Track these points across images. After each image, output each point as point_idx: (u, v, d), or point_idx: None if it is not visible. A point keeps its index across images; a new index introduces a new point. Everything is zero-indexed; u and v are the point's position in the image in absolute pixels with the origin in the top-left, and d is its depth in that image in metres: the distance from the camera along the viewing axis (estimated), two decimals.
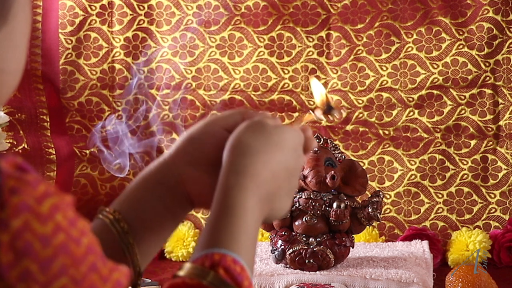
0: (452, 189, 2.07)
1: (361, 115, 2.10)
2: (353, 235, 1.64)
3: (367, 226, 1.64)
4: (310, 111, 0.88)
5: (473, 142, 2.07)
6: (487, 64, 2.06)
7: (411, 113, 2.09)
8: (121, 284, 0.57)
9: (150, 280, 1.70)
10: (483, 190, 2.06)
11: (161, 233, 0.81)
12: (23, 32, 0.64)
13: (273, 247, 1.61)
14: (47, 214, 0.53)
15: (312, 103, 2.12)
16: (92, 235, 0.56)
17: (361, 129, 2.10)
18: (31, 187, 0.53)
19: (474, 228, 2.03)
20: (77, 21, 2.11)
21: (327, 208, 1.59)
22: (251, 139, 0.74)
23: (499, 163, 2.06)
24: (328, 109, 0.88)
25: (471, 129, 2.07)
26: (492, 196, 2.06)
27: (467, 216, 2.06)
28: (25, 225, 0.52)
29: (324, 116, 0.88)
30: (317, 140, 1.64)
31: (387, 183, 2.08)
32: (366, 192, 1.67)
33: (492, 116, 2.07)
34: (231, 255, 0.67)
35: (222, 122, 0.80)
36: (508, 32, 2.05)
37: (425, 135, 2.08)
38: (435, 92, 2.08)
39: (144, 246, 0.80)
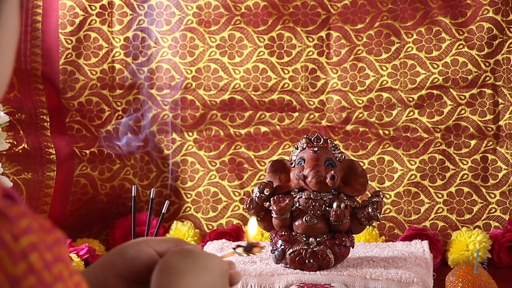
0: (452, 189, 2.07)
1: (361, 115, 2.10)
2: (353, 235, 1.64)
3: (367, 226, 1.64)
4: (232, 249, 0.92)
5: (473, 142, 2.07)
6: (487, 64, 2.06)
7: (411, 113, 2.09)
8: None
9: None
10: (483, 190, 2.06)
11: None
12: (11, 41, 0.63)
13: (273, 247, 1.61)
14: (21, 254, 0.50)
15: (312, 103, 2.12)
16: (74, 282, 0.53)
17: (361, 129, 2.10)
18: (10, 223, 0.50)
19: (474, 228, 2.03)
20: (77, 21, 2.11)
21: (327, 208, 1.59)
22: (179, 261, 0.77)
23: (499, 163, 2.06)
24: (247, 247, 0.92)
25: (471, 129, 2.07)
26: (492, 196, 2.06)
27: (467, 216, 2.06)
28: None
29: (245, 252, 0.92)
30: (317, 140, 1.64)
31: (387, 183, 2.08)
32: (366, 192, 1.67)
33: (492, 116, 2.07)
34: None
35: (155, 245, 0.82)
36: (508, 32, 2.05)
37: (425, 135, 2.08)
38: (435, 92, 2.08)
39: None
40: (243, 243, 0.93)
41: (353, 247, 1.63)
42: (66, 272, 0.52)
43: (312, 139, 1.65)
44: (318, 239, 1.59)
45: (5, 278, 0.49)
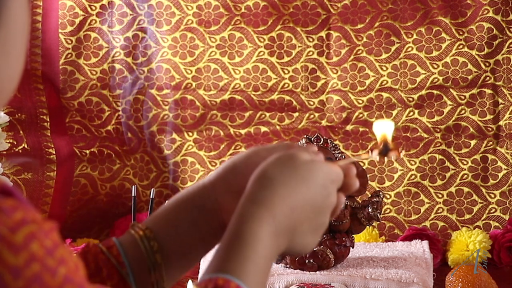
0: (452, 189, 2.07)
1: (361, 115, 2.10)
2: (353, 235, 1.64)
3: (367, 226, 1.64)
4: (369, 151, 0.85)
5: (473, 142, 2.07)
6: (487, 64, 2.06)
7: (411, 113, 2.09)
8: None
9: None
10: (483, 190, 2.06)
11: (190, 258, 0.80)
12: (18, 38, 0.61)
13: None
14: (21, 244, 0.51)
15: (312, 103, 2.12)
16: (74, 262, 0.54)
17: (361, 129, 2.10)
18: (5, 215, 0.51)
19: (474, 228, 2.03)
20: (77, 21, 2.11)
21: None
22: (276, 171, 0.73)
23: (499, 163, 2.06)
24: (385, 150, 0.85)
25: (471, 129, 2.07)
26: (492, 196, 2.06)
27: (467, 216, 2.06)
28: None
29: (379, 156, 0.85)
30: (317, 140, 1.64)
31: (387, 183, 2.08)
32: (366, 192, 1.67)
33: (492, 116, 2.07)
34: (235, 282, 0.66)
35: (265, 153, 0.79)
36: (508, 32, 2.05)
37: (425, 135, 2.08)
38: (435, 92, 2.08)
39: (171, 268, 0.78)
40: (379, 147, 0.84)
41: (353, 247, 1.63)
42: (66, 254, 0.53)
43: (312, 139, 1.65)
44: None
45: (6, 269, 0.50)
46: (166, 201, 0.81)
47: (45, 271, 0.51)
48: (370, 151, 0.86)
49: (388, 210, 2.07)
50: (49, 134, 2.10)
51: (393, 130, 0.87)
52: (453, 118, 2.08)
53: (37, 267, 0.51)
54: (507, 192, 2.05)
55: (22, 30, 0.62)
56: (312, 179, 0.74)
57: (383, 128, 0.87)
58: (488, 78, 2.07)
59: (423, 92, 2.08)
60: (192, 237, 0.79)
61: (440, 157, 2.08)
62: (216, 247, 0.72)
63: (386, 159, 0.86)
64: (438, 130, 2.08)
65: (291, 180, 0.73)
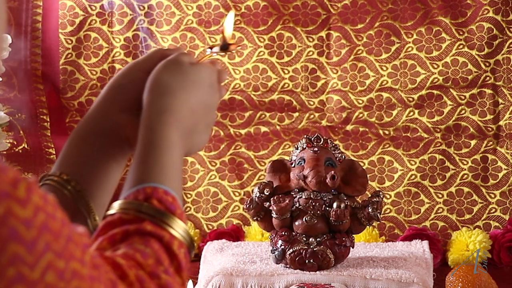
0: (452, 189, 2.07)
1: (361, 115, 2.10)
2: (353, 235, 1.64)
3: (367, 226, 1.64)
4: (208, 49, 0.89)
5: (473, 142, 2.07)
6: (487, 64, 2.06)
7: (411, 113, 2.09)
8: (88, 245, 0.59)
9: None
10: (483, 190, 2.06)
11: (110, 181, 0.83)
12: None
13: (273, 247, 1.61)
14: (25, 197, 0.54)
15: (312, 103, 2.12)
16: (60, 207, 0.58)
17: (361, 129, 2.10)
18: (3, 173, 0.54)
19: (474, 228, 2.03)
20: (77, 21, 2.11)
21: (327, 208, 1.59)
22: (169, 78, 0.77)
23: (499, 163, 2.06)
24: (224, 45, 0.89)
25: (471, 129, 2.07)
26: (492, 196, 2.06)
27: (467, 216, 2.06)
28: (7, 211, 0.53)
29: (221, 51, 0.90)
30: (317, 140, 1.64)
31: (387, 183, 2.08)
32: (366, 192, 1.67)
33: (492, 116, 2.07)
34: (162, 187, 0.69)
35: (143, 65, 0.82)
36: (508, 32, 2.05)
37: (425, 135, 2.08)
38: (435, 92, 2.08)
39: (97, 199, 0.81)
40: (218, 43, 0.89)
41: (353, 247, 1.63)
42: (55, 200, 0.57)
43: (312, 139, 1.65)
44: (318, 239, 1.59)
45: (19, 222, 0.53)
46: (68, 137, 0.85)
47: (49, 218, 0.55)
48: (210, 49, 0.90)
49: (388, 210, 2.07)
50: (49, 134, 2.10)
51: (232, 22, 0.90)
52: (453, 118, 2.08)
53: (43, 215, 0.55)
54: (507, 192, 2.05)
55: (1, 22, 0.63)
56: (201, 81, 0.80)
57: (229, 24, 0.90)
58: (488, 78, 2.07)
59: (423, 92, 2.08)
60: (104, 163, 0.82)
61: (440, 157, 2.08)
62: (132, 160, 0.76)
63: (225, 53, 0.91)
64: (438, 130, 2.08)
65: (184, 84, 0.78)
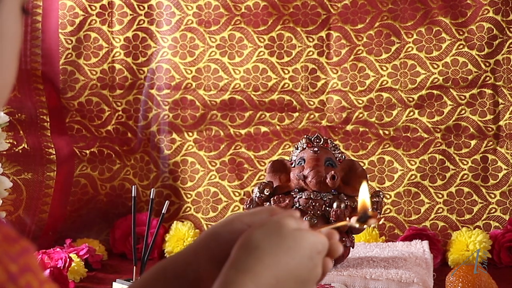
0: (452, 189, 2.07)
1: (361, 115, 2.10)
2: (353, 235, 1.64)
3: (367, 226, 1.63)
4: (347, 218, 0.84)
5: (473, 142, 2.07)
6: (487, 64, 2.06)
7: (411, 113, 2.09)
8: None
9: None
10: (483, 190, 2.06)
11: None
12: (9, 48, 0.61)
13: None
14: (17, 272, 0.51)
15: (312, 103, 2.12)
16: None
17: (361, 129, 2.10)
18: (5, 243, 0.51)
19: (474, 228, 2.03)
20: (77, 21, 2.11)
21: (327, 208, 1.59)
22: (262, 239, 0.71)
23: (499, 163, 2.06)
24: (364, 217, 0.84)
25: (471, 129, 2.07)
26: (492, 196, 2.06)
27: (467, 216, 2.06)
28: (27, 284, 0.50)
29: (358, 223, 0.84)
30: (317, 140, 1.64)
31: (387, 183, 2.08)
32: None
33: (492, 116, 2.07)
34: None
35: (248, 219, 0.77)
36: (508, 32, 2.05)
37: (425, 135, 2.08)
38: (435, 92, 2.08)
39: None
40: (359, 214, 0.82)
41: (353, 247, 1.63)
42: (35, 282, 0.52)
43: (312, 139, 1.65)
44: None
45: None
46: (150, 269, 0.79)
47: None
48: (349, 218, 0.84)
49: (388, 210, 2.07)
50: (49, 134, 2.10)
51: (369, 196, 0.86)
52: (453, 118, 2.08)
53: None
54: (507, 192, 2.05)
55: (14, 39, 0.62)
56: (299, 250, 0.72)
57: (362, 195, 0.86)
58: (488, 78, 2.07)
59: (423, 92, 2.08)
60: None
61: (440, 157, 2.08)
62: None
63: (365, 226, 0.85)
64: (438, 130, 2.08)
65: (277, 250, 0.71)
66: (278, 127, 2.12)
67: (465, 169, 2.07)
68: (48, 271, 1.69)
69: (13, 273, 0.50)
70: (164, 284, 0.77)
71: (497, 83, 2.07)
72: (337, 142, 2.05)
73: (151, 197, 1.54)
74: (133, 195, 1.55)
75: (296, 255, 0.71)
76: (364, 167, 1.94)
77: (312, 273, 0.73)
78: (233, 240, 0.73)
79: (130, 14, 2.13)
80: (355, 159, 2.04)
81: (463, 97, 2.08)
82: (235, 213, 0.80)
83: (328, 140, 1.65)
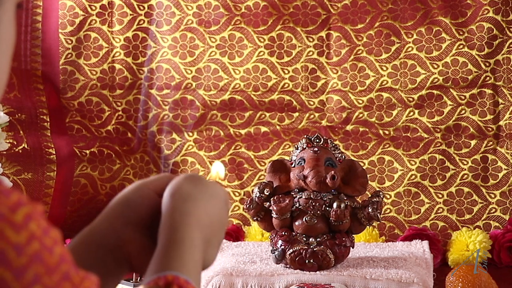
0: (452, 189, 2.07)
1: (361, 115, 2.10)
2: (353, 235, 1.64)
3: (367, 226, 1.64)
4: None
5: (473, 142, 2.07)
6: (487, 64, 2.06)
7: (411, 113, 2.09)
8: None
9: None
10: (483, 190, 2.06)
11: None
12: (3, 54, 0.62)
13: (273, 247, 1.61)
14: (21, 223, 0.53)
15: (312, 103, 2.12)
16: (64, 245, 0.57)
17: (361, 129, 2.10)
18: (4, 196, 0.53)
19: (474, 228, 2.03)
20: (77, 21, 2.11)
21: (327, 208, 1.59)
22: (191, 188, 0.78)
23: (499, 163, 2.06)
24: None
25: (471, 129, 2.07)
26: (492, 196, 2.06)
27: (467, 216, 2.06)
28: None
29: None
30: (317, 140, 1.64)
31: (387, 183, 2.08)
32: (366, 192, 1.67)
33: (492, 116, 2.07)
34: (183, 277, 0.69)
35: (152, 185, 0.82)
36: (508, 32, 2.05)
37: (425, 135, 2.08)
38: (435, 92, 2.08)
39: None
40: None
41: (353, 247, 1.63)
42: (57, 236, 0.56)
43: (312, 139, 1.65)
44: (318, 239, 1.59)
45: (10, 246, 0.52)
46: (69, 244, 0.82)
47: (44, 249, 0.53)
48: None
49: (388, 210, 2.07)
50: (49, 134, 2.10)
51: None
52: (453, 118, 2.08)
53: (37, 245, 0.53)
54: (507, 192, 2.05)
55: (8, 40, 0.63)
56: (218, 196, 0.80)
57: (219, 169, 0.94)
58: (488, 78, 2.07)
59: (423, 92, 2.08)
60: (102, 276, 0.78)
61: (440, 157, 2.08)
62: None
63: None
64: (438, 130, 2.08)
65: (205, 196, 0.79)
66: (278, 127, 2.12)
67: (465, 169, 2.07)
68: None
69: (44, 227, 0.54)
70: (89, 254, 0.80)
71: (497, 83, 2.07)
72: (337, 142, 2.05)
73: None
74: None
75: (217, 200, 0.80)
76: (364, 167, 1.94)
77: (227, 217, 0.82)
78: (144, 204, 0.80)
79: (130, 14, 2.13)
80: (355, 159, 2.04)
81: (463, 97, 2.08)
82: (139, 181, 0.86)
83: (328, 140, 1.65)
